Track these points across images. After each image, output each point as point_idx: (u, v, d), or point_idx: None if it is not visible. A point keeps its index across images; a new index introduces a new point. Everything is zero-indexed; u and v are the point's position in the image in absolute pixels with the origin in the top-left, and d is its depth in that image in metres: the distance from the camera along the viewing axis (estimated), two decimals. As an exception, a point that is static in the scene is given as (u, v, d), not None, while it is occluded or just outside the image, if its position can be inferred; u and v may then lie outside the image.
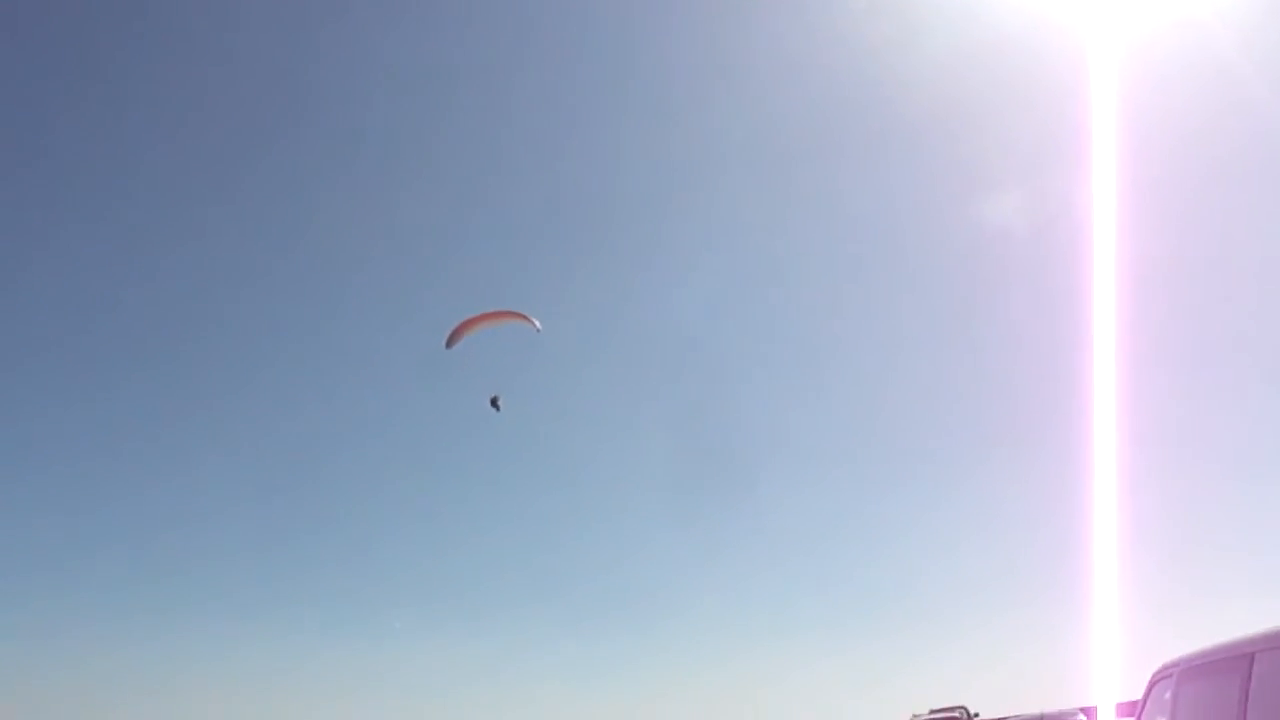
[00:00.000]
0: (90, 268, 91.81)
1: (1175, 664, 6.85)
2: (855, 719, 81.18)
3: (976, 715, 30.91)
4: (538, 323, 17.40)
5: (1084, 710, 15.89)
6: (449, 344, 17.23)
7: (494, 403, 17.57)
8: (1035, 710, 17.32)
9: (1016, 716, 17.81)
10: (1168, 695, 6.74)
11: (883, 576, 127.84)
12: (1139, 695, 7.47)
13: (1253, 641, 6.09)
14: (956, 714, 30.87)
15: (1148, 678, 7.32)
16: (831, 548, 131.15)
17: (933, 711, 31.52)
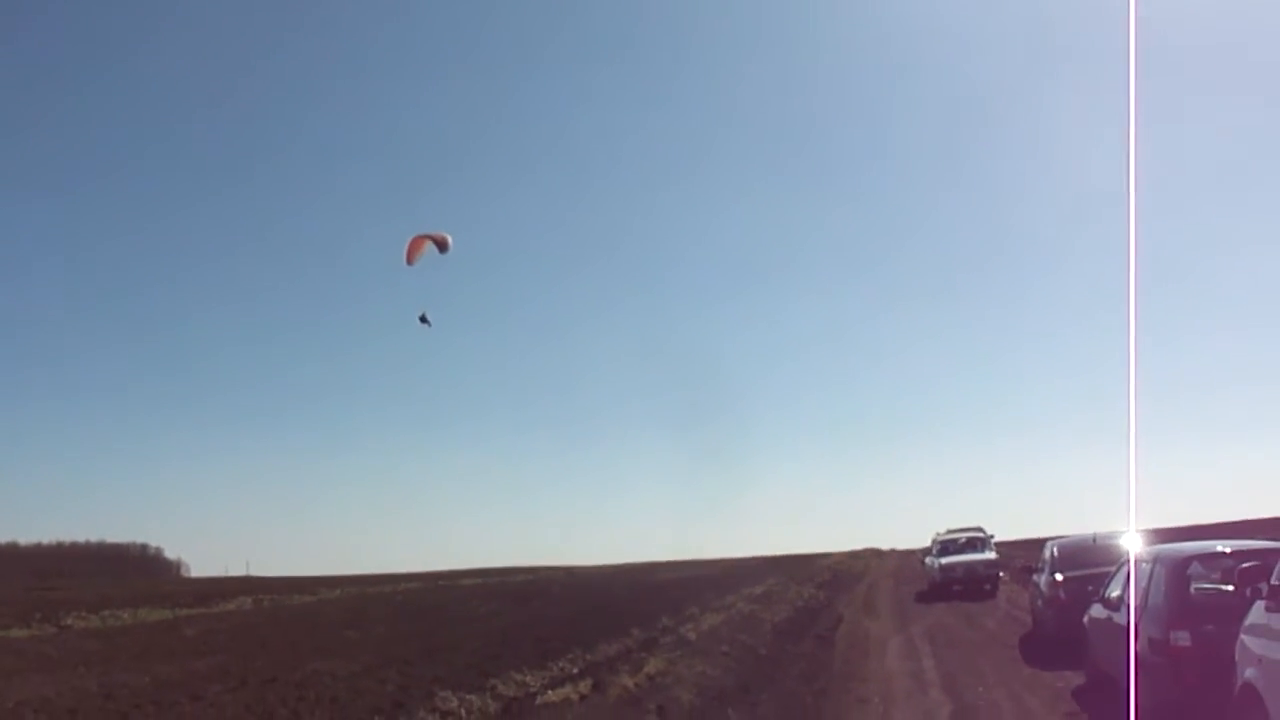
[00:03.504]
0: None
1: None
2: (885, 540, 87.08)
3: (992, 536, 32.35)
4: (445, 245, 18.02)
5: (1141, 533, 15.98)
6: (409, 262, 17.94)
7: (423, 319, 18.33)
8: (1088, 532, 17.39)
9: (1069, 537, 18.03)
10: None
11: (905, 407, 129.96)
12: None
13: None
14: (975, 534, 32.23)
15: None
16: (863, 376, 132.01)
17: (950, 531, 33.19)
